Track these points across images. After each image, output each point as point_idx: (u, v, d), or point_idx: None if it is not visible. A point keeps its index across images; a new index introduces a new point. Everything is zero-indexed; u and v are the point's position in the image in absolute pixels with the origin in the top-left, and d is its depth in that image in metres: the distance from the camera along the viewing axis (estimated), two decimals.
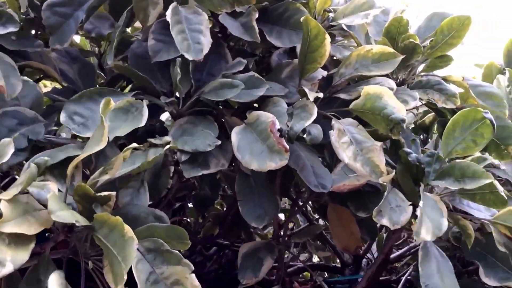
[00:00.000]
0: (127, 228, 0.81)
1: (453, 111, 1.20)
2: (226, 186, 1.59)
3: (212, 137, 1.06)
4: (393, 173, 1.04)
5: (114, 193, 0.84)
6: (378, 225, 1.37)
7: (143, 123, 1.01)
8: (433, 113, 1.50)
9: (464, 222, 1.06)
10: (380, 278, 1.65)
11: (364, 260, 1.74)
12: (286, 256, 1.90)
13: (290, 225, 1.73)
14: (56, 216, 0.78)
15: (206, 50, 1.06)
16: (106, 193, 0.83)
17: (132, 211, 0.94)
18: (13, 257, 0.77)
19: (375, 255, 1.73)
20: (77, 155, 0.88)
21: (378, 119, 1.07)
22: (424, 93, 1.22)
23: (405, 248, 1.66)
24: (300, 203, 1.47)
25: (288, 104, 1.14)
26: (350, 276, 1.69)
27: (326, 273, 1.91)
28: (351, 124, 1.09)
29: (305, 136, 1.06)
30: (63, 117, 0.99)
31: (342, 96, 1.18)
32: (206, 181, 1.26)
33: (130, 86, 1.30)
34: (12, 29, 1.07)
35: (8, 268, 0.76)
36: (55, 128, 1.15)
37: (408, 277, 1.60)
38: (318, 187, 1.08)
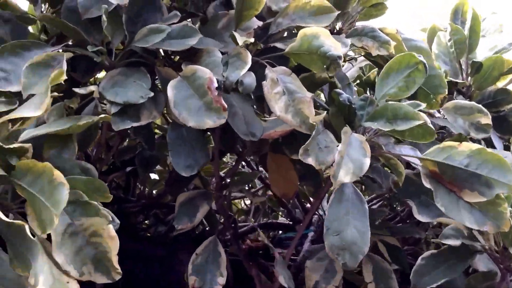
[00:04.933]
0: (57, 174, 0.79)
1: (387, 61, 1.19)
2: None
3: (145, 89, 1.04)
4: (323, 114, 1.04)
5: (29, 144, 0.81)
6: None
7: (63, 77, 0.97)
8: (377, 68, 1.50)
9: (395, 161, 1.07)
10: None
11: (315, 216, 1.75)
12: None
13: None
14: None
15: None
16: (19, 144, 0.80)
17: (56, 163, 0.90)
18: None
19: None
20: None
21: (315, 59, 1.07)
22: (359, 41, 1.22)
23: None
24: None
25: (224, 53, 1.12)
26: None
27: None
28: (285, 73, 1.08)
29: (238, 86, 1.05)
30: None
31: (279, 45, 1.17)
32: (144, 137, 1.23)
33: None
34: None
35: None
36: None
37: None
38: (248, 135, 1.08)
